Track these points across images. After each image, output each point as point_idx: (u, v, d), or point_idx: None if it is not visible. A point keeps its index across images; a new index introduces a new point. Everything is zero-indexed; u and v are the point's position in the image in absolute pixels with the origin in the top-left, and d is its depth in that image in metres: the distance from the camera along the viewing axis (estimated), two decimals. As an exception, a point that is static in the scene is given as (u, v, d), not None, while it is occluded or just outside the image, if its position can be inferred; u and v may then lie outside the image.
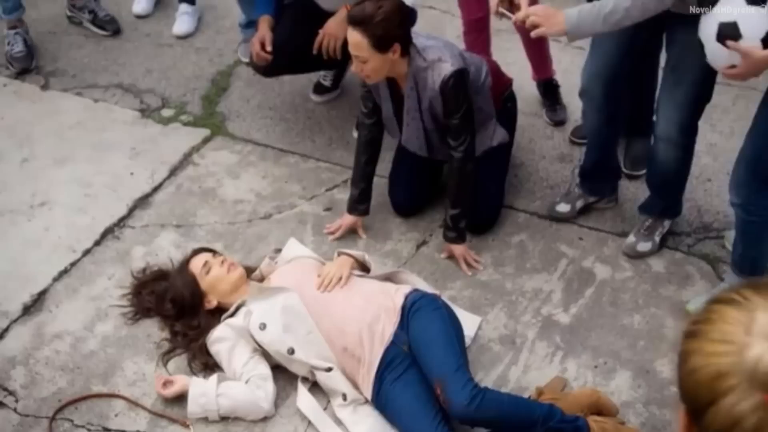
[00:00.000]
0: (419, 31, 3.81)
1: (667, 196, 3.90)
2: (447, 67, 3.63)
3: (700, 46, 3.12)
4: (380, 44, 3.53)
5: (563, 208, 4.10)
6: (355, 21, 3.55)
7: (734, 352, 1.12)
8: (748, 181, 3.36)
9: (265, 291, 3.46)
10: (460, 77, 3.66)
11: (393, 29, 3.56)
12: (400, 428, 3.22)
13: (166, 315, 3.63)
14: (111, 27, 5.27)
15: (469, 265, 3.90)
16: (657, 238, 3.92)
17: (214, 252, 3.68)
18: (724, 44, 2.99)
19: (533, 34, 3.33)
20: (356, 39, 3.55)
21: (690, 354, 1.18)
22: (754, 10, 2.97)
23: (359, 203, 4.02)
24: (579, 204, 4.11)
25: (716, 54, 3.06)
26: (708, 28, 3.05)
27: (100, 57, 5.16)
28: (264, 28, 4.34)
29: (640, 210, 4.00)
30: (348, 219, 4.04)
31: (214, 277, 3.54)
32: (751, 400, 1.09)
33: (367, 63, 3.59)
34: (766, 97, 3.11)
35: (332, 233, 4.04)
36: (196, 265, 3.58)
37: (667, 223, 3.95)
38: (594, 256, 3.95)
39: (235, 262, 3.63)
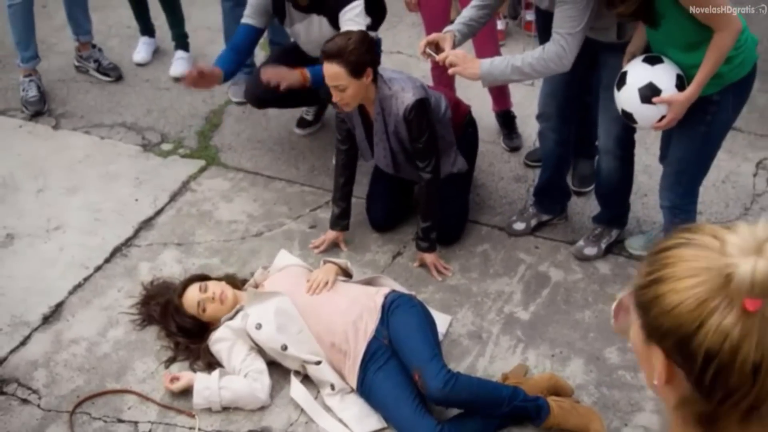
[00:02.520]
0: (386, 68, 3.92)
1: (612, 206, 3.99)
2: (409, 97, 3.71)
3: (627, 116, 3.30)
4: (355, 70, 3.61)
5: (519, 226, 4.18)
6: (331, 55, 3.61)
7: (712, 278, 1.13)
8: (673, 187, 3.52)
9: (260, 296, 3.52)
10: (421, 106, 3.73)
11: (364, 55, 3.64)
12: (384, 412, 3.29)
13: (171, 331, 3.65)
14: (114, 74, 5.33)
15: (439, 271, 3.97)
16: (603, 245, 4.01)
17: (201, 279, 3.67)
18: (650, 103, 3.17)
19: (450, 71, 3.46)
20: (334, 70, 3.61)
21: (661, 297, 1.16)
22: (658, 67, 3.18)
23: (340, 219, 4.10)
24: (533, 222, 4.18)
25: (645, 115, 3.24)
26: (630, 99, 3.24)
27: (105, 100, 5.22)
28: (208, 66, 4.33)
29: (592, 220, 4.09)
30: (331, 234, 4.11)
31: (212, 313, 3.56)
32: (735, 313, 1.10)
33: (346, 90, 3.65)
34: (683, 119, 3.25)
35: (317, 247, 4.11)
36: (190, 305, 3.58)
37: (614, 233, 4.03)
38: (549, 262, 4.03)
39: (223, 288, 3.61)
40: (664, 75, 3.18)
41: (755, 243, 1.10)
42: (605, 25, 3.40)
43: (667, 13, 3.04)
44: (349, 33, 3.72)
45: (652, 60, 3.21)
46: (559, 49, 3.29)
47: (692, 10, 2.96)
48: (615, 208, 4.00)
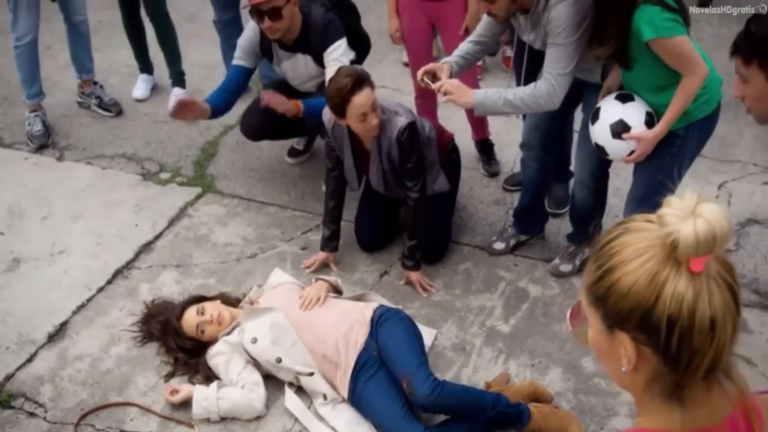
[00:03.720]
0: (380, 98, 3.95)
1: (586, 225, 4.01)
2: (402, 120, 3.75)
3: (599, 149, 3.34)
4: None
5: (499, 246, 4.21)
6: (360, 82, 3.62)
7: (658, 251, 1.17)
8: (635, 210, 3.54)
9: (256, 311, 3.52)
10: (412, 129, 3.78)
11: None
12: (374, 420, 3.29)
13: (171, 348, 3.64)
14: (114, 109, 5.35)
15: (424, 288, 3.98)
16: (578, 262, 4.04)
17: (198, 301, 3.67)
18: (620, 139, 3.22)
19: (444, 100, 3.49)
20: (368, 95, 3.63)
21: (616, 282, 1.19)
22: (629, 105, 3.24)
23: (330, 240, 4.11)
24: (512, 242, 4.21)
25: (616, 149, 3.30)
26: (602, 134, 3.30)
27: (106, 133, 5.23)
28: (194, 100, 4.33)
29: (567, 238, 4.12)
30: (321, 255, 4.12)
31: (210, 334, 3.56)
32: (685, 277, 1.15)
33: (377, 110, 3.69)
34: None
35: (308, 267, 4.12)
36: (189, 327, 3.58)
37: (587, 251, 4.05)
38: (527, 278, 4.05)
39: (220, 309, 3.60)
40: (634, 112, 3.23)
41: (688, 209, 1.15)
42: (590, 66, 3.45)
43: (640, 57, 3.11)
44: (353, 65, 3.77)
45: (624, 98, 3.27)
46: (550, 88, 3.33)
47: (663, 58, 3.04)
48: (588, 227, 4.03)
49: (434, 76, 3.57)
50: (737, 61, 2.51)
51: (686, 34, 3.05)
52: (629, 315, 1.19)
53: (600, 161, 3.69)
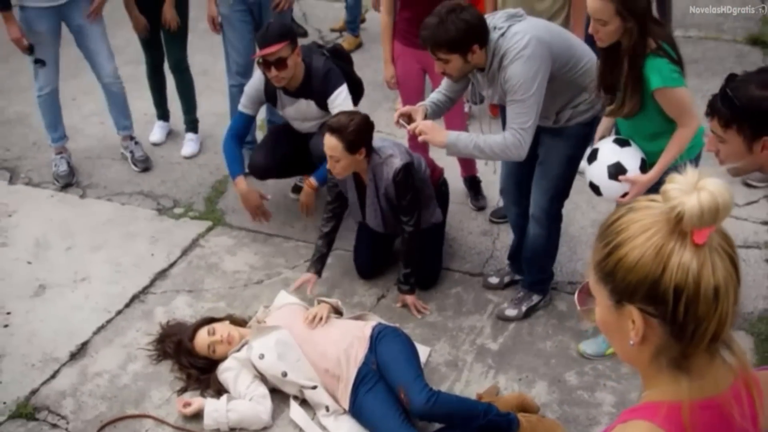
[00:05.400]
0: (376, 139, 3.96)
1: (536, 272, 3.90)
2: (397, 162, 3.74)
3: (594, 188, 3.26)
4: (351, 148, 3.64)
5: (494, 280, 4.13)
6: (332, 129, 3.63)
7: (663, 225, 1.16)
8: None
9: (263, 330, 3.50)
10: (407, 169, 3.77)
11: (362, 137, 3.66)
12: (374, 428, 3.24)
13: (184, 365, 3.61)
14: (141, 165, 5.22)
15: (418, 310, 3.96)
16: (524, 308, 3.90)
17: (208, 323, 3.64)
18: (616, 180, 3.16)
19: (419, 139, 3.40)
20: (333, 143, 3.63)
21: (623, 258, 1.18)
22: (626, 149, 3.19)
23: (317, 263, 3.99)
24: (507, 279, 4.12)
25: (611, 189, 3.21)
26: (599, 174, 3.20)
27: (125, 173, 5.22)
28: (246, 189, 4.35)
29: (520, 284, 4.02)
30: (305, 276, 3.97)
31: (221, 353, 3.54)
32: (689, 249, 1.14)
33: (339, 162, 3.68)
34: None
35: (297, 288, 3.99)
36: (201, 347, 3.56)
37: (535, 298, 3.92)
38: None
39: (229, 330, 3.58)
40: (630, 157, 3.17)
41: (691, 183, 1.15)
42: (546, 114, 3.39)
43: (643, 106, 3.06)
44: (353, 114, 3.74)
45: (622, 142, 3.21)
46: (516, 141, 3.24)
47: (665, 107, 3.01)
48: (537, 274, 3.91)
49: (410, 118, 3.49)
50: (713, 121, 2.46)
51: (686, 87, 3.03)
52: (637, 287, 1.18)
53: (552, 198, 3.65)
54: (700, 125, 3.07)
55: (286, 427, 3.34)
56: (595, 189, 3.29)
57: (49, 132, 5.14)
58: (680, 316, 1.16)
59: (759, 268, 4.14)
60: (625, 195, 3.19)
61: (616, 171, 3.17)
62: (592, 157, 3.26)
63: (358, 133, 3.65)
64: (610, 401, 3.41)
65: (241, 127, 4.48)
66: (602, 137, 3.37)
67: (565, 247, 3.99)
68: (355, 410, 3.30)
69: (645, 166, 3.18)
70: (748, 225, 4.44)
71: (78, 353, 3.74)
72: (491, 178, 4.82)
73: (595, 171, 3.24)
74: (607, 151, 3.22)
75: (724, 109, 2.42)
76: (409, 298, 3.97)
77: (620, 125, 3.30)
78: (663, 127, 3.10)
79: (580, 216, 4.41)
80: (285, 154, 4.59)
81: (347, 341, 3.41)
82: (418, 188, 3.88)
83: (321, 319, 3.52)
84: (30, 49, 4.67)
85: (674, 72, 2.96)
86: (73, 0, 4.69)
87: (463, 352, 3.71)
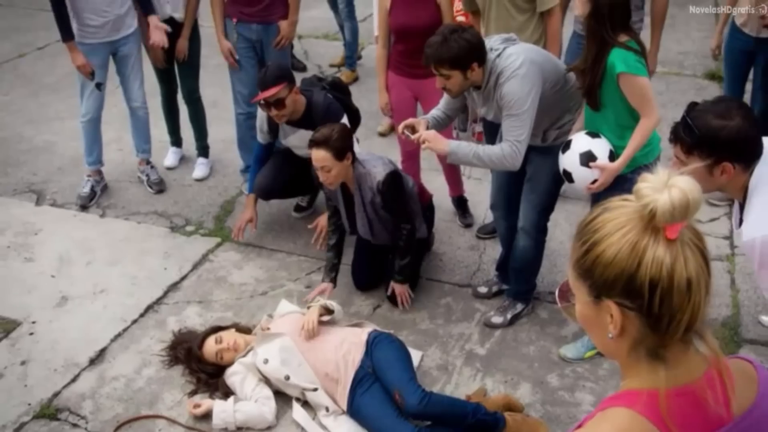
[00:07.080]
0: (360, 151, 3.95)
1: (521, 282, 3.89)
2: (380, 172, 3.74)
3: (566, 175, 3.28)
4: (339, 154, 3.64)
5: (483, 289, 4.11)
6: (318, 142, 3.63)
7: (637, 222, 1.14)
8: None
9: (267, 336, 3.48)
10: (391, 178, 3.75)
11: (346, 143, 3.68)
12: (371, 427, 3.21)
13: (194, 370, 3.58)
14: (156, 187, 5.21)
15: (402, 302, 3.94)
16: (509, 316, 3.87)
17: (215, 331, 3.61)
18: (587, 167, 3.19)
19: (423, 147, 3.41)
20: (321, 155, 3.63)
21: (600, 255, 1.16)
22: (597, 140, 3.23)
23: (330, 272, 3.99)
24: (494, 288, 4.11)
25: (582, 175, 3.23)
26: (571, 161, 3.24)
27: (141, 195, 5.20)
28: (247, 209, 4.50)
29: (505, 293, 4.01)
30: (321, 285, 3.96)
31: (228, 359, 3.51)
32: (662, 244, 1.12)
33: (331, 171, 3.67)
34: (603, 192, 3.24)
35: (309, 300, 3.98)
36: (209, 354, 3.53)
37: (519, 306, 3.90)
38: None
39: (235, 337, 3.54)
40: (600, 147, 3.21)
41: (662, 181, 1.13)
42: (535, 132, 3.40)
43: (608, 98, 3.13)
44: (332, 125, 3.74)
45: (593, 134, 3.25)
46: (512, 152, 3.25)
47: (628, 95, 3.07)
48: (523, 285, 3.90)
49: (413, 129, 3.51)
50: (677, 147, 2.46)
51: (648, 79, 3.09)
52: (615, 282, 1.15)
53: (541, 212, 3.66)
54: (659, 119, 3.14)
55: (289, 427, 3.31)
56: (567, 176, 3.29)
57: (84, 155, 5.13)
58: (656, 309, 1.14)
59: (722, 278, 4.13)
60: (594, 182, 3.21)
61: (587, 158, 3.20)
62: (566, 147, 3.28)
63: (342, 140, 3.66)
64: (589, 401, 3.39)
65: (260, 153, 4.57)
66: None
67: (546, 260, 3.97)
68: (353, 410, 3.27)
69: (613, 157, 3.21)
70: (711, 240, 4.43)
71: (97, 359, 3.71)
72: (477, 198, 4.86)
73: (568, 159, 3.26)
74: (580, 140, 3.25)
75: (685, 137, 2.42)
76: (399, 288, 3.95)
77: (590, 120, 3.32)
78: (628, 120, 3.15)
79: (559, 232, 4.40)
80: (287, 177, 4.59)
81: (345, 347, 3.39)
82: (405, 200, 3.86)
83: (312, 329, 3.44)
84: (93, 74, 4.74)
85: (638, 62, 3.03)
86: (124, 36, 4.80)
87: (453, 357, 3.68)
